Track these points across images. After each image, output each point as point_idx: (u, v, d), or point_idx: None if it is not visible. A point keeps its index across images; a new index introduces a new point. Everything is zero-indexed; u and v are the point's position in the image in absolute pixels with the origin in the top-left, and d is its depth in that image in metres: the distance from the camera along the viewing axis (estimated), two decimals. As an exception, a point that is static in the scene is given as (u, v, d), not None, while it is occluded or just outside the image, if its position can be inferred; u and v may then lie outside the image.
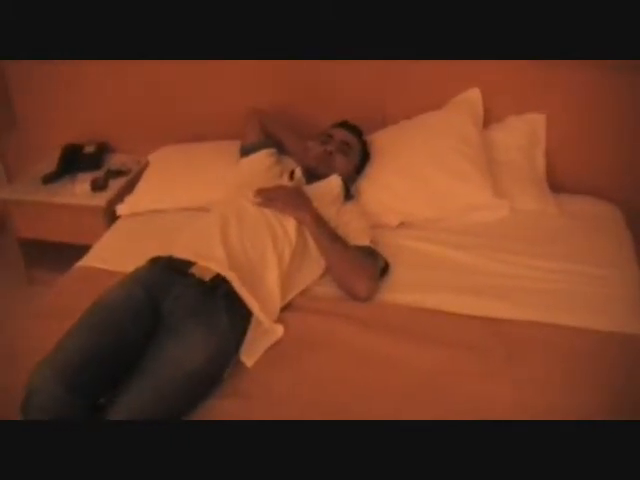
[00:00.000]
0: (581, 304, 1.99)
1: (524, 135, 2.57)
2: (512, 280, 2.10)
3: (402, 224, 2.40)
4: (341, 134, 2.43)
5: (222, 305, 1.86)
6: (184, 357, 1.71)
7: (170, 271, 1.95)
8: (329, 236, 2.11)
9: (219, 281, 1.91)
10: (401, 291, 2.08)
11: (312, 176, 2.38)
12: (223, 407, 1.73)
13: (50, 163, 3.14)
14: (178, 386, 1.68)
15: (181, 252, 2.01)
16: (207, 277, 1.91)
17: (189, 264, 1.96)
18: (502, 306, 1.99)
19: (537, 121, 2.57)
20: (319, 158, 2.37)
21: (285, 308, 2.03)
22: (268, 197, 2.15)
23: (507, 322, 1.93)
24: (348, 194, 2.39)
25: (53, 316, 2.07)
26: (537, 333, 1.90)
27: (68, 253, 3.06)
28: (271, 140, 2.61)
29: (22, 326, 2.13)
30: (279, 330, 1.94)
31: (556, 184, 2.55)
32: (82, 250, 2.89)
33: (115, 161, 3.13)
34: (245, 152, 2.59)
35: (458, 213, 2.41)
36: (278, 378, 1.82)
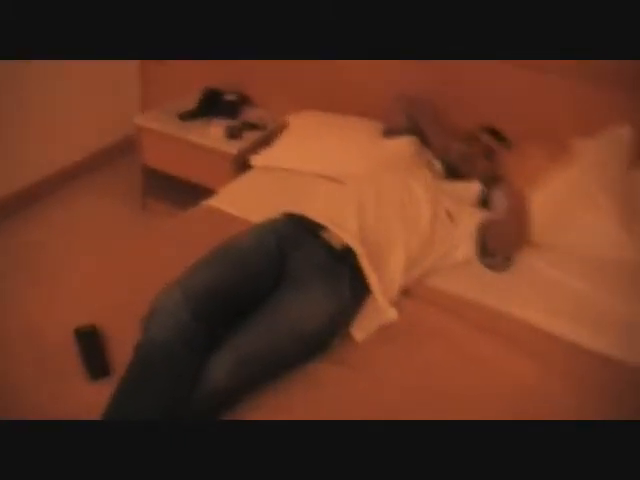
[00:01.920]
0: None
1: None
2: (627, 322, 2.05)
3: (528, 243, 2.37)
4: (488, 139, 2.43)
5: (347, 274, 1.89)
6: (302, 315, 1.75)
7: (303, 229, 2.00)
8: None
9: (347, 252, 1.94)
10: (517, 305, 2.07)
11: (451, 173, 2.39)
12: (328, 372, 1.77)
13: (186, 102, 3.23)
14: (287, 342, 1.72)
15: (315, 214, 2.05)
16: (337, 245, 1.95)
17: (321, 228, 2.00)
18: (615, 344, 1.95)
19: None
20: (463, 158, 2.38)
21: (401, 292, 2.05)
22: None
23: (616, 362, 1.90)
24: (485, 201, 2.39)
25: (178, 245, 2.18)
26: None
27: (185, 189, 3.18)
28: (414, 128, 2.62)
29: (145, 249, 2.22)
30: (393, 313, 1.96)
31: None
32: (200, 190, 2.99)
33: (251, 114, 3.20)
34: (388, 134, 2.61)
35: (586, 244, 2.37)
36: (383, 357, 1.85)
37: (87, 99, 3.51)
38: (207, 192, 2.96)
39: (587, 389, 1.79)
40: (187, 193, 3.25)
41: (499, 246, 2.15)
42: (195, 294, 1.65)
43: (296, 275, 1.86)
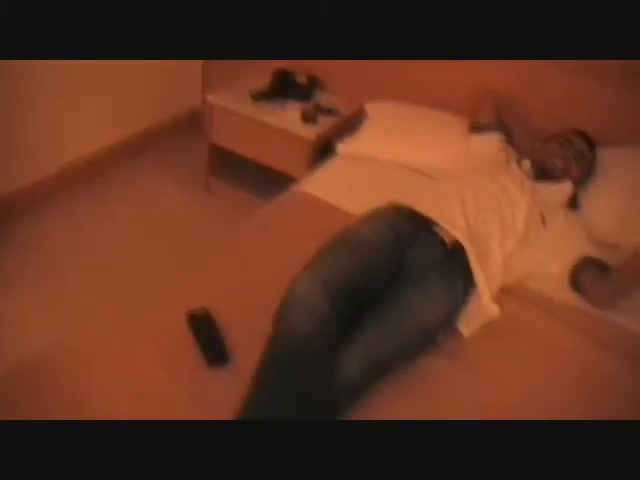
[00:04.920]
0: None
1: None
2: None
3: (613, 245, 2.39)
4: (579, 143, 2.44)
5: (459, 271, 1.93)
6: (425, 310, 1.79)
7: (416, 223, 2.02)
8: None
9: (457, 248, 1.97)
10: (629, 316, 2.09)
11: (541, 174, 2.40)
12: (440, 365, 1.81)
13: (253, 82, 3.21)
14: (412, 336, 1.76)
15: (425, 209, 2.07)
16: (448, 240, 1.97)
17: (432, 223, 2.02)
18: None
19: None
20: (554, 159, 2.39)
21: (503, 290, 2.09)
22: None
23: None
24: (575, 203, 2.41)
25: (281, 231, 2.21)
26: None
27: (245, 169, 3.21)
28: (502, 126, 2.64)
29: (246, 234, 2.23)
30: (496, 309, 1.99)
31: None
32: (270, 173, 2.99)
33: (324, 99, 3.19)
34: (475, 130, 2.63)
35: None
36: (488, 353, 1.89)
37: (148, 71, 3.47)
38: (274, 174, 2.99)
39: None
40: (248, 173, 3.27)
41: (591, 301, 2.13)
42: (332, 286, 1.67)
43: (415, 270, 1.89)
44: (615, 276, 2.10)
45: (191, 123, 3.77)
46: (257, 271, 2.01)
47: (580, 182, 2.47)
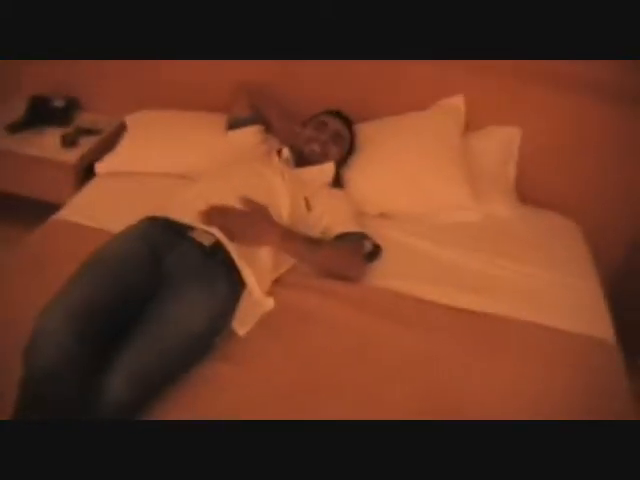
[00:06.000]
0: (548, 305, 2.14)
1: (499, 146, 2.69)
2: (486, 277, 2.23)
3: (382, 215, 2.47)
4: (335, 124, 2.48)
5: (221, 271, 1.89)
6: (186, 318, 1.73)
7: (170, 232, 1.97)
8: (306, 247, 2.10)
9: (218, 248, 1.94)
10: (385, 277, 2.16)
11: (301, 160, 2.41)
12: (216, 370, 1.77)
13: (12, 113, 3.04)
14: (177, 347, 1.69)
15: (180, 216, 2.02)
16: (207, 242, 1.94)
17: (188, 228, 1.98)
18: (478, 299, 2.11)
19: (513, 134, 2.69)
20: (313, 145, 2.42)
21: (276, 282, 2.07)
22: (226, 222, 2.02)
23: (482, 315, 2.06)
24: (339, 182, 2.45)
25: (40, 268, 2.06)
26: (507, 327, 2.03)
27: (25, 208, 3.00)
28: (259, 117, 2.64)
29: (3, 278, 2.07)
30: (270, 303, 1.98)
31: (523, 195, 2.70)
32: (43, 206, 2.83)
33: (85, 119, 3.07)
34: (232, 125, 2.61)
35: (436, 211, 2.50)
36: (267, 349, 1.87)
37: None
38: (51, 207, 2.83)
39: (456, 342, 1.96)
40: (30, 210, 3.08)
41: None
42: (75, 313, 1.58)
43: (172, 279, 1.82)
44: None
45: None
46: (18, 309, 1.88)
47: (342, 161, 2.52)
